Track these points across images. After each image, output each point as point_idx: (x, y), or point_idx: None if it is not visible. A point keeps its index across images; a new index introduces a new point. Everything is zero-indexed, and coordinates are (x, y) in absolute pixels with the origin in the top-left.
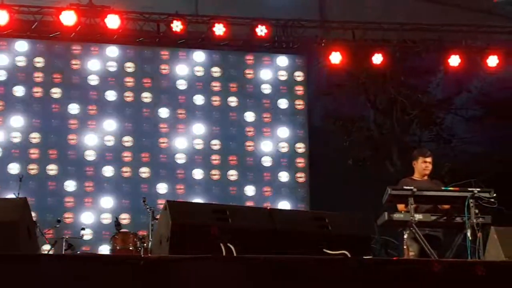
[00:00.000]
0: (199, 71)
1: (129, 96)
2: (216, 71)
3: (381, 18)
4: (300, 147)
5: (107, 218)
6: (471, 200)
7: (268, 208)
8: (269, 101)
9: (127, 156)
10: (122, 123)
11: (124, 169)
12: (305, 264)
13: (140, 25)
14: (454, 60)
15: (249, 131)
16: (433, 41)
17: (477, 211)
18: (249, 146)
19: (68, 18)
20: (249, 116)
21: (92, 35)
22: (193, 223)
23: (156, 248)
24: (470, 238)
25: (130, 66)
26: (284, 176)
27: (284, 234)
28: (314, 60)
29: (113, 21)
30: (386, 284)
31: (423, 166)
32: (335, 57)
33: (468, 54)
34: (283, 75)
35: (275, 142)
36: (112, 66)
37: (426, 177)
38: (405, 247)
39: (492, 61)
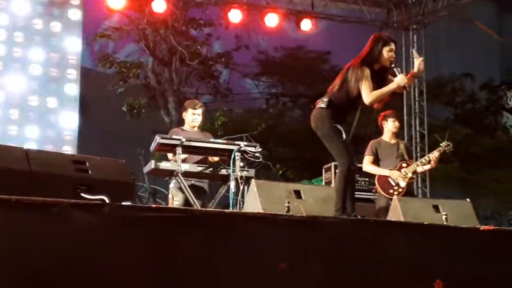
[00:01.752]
0: None
1: None
2: None
3: None
4: (71, 88)
5: None
6: (237, 153)
7: (26, 148)
8: (39, 38)
9: None
10: None
11: None
12: (60, 207)
13: None
14: (235, 16)
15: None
16: None
17: (242, 164)
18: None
19: None
20: (16, 53)
21: None
22: None
23: None
24: (233, 190)
25: None
26: (51, 118)
27: (40, 176)
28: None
29: None
30: (144, 230)
31: (191, 118)
32: (115, 1)
33: (249, 11)
34: (57, 12)
35: (44, 81)
36: None
37: (196, 129)
38: (170, 196)
39: (271, 20)
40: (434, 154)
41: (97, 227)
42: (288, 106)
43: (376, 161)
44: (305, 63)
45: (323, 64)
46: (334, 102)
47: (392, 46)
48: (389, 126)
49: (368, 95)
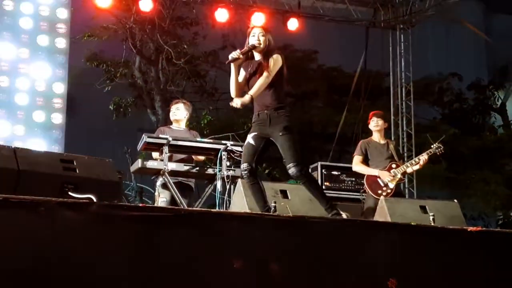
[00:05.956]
0: None
1: None
2: None
3: None
4: (59, 88)
5: None
6: (223, 153)
7: (14, 147)
8: (27, 36)
9: None
10: None
11: None
12: (48, 206)
13: None
14: (221, 15)
15: (4, 66)
16: None
17: (229, 163)
18: (2, 81)
19: None
20: (4, 50)
21: None
22: None
23: None
24: (220, 189)
25: None
26: (39, 116)
27: (28, 174)
28: None
29: None
30: (130, 229)
31: (171, 113)
32: None
33: (236, 10)
34: (44, 11)
35: (32, 79)
36: None
37: (183, 127)
38: (156, 194)
39: (258, 19)
40: (424, 156)
41: (84, 226)
42: None
43: (365, 161)
44: (292, 62)
45: (310, 63)
46: None
47: (251, 30)
48: (371, 125)
49: None
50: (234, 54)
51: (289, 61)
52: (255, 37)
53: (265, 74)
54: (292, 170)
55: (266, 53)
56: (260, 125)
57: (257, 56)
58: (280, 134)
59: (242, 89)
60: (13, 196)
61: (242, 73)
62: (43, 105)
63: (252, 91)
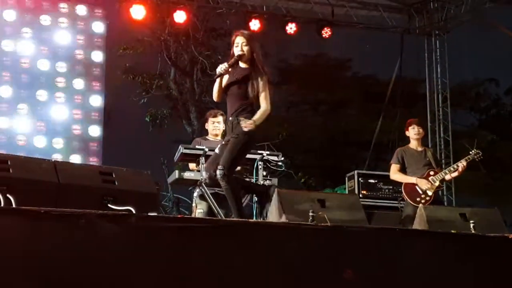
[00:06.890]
0: None
1: None
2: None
3: None
4: (96, 100)
5: None
6: (259, 162)
7: (54, 160)
8: (64, 51)
9: None
10: None
11: None
12: (88, 218)
13: None
14: (255, 25)
15: (41, 81)
16: (236, 3)
17: (265, 173)
18: (39, 95)
19: None
20: (42, 65)
21: None
22: None
23: None
24: (256, 199)
25: None
26: (76, 129)
27: (68, 187)
28: (115, 12)
29: None
30: (169, 240)
31: (212, 126)
32: (136, 11)
33: (269, 19)
34: (81, 25)
35: (70, 93)
36: None
37: (218, 137)
38: (193, 205)
39: (291, 28)
40: (463, 163)
41: (123, 238)
42: (309, 113)
43: (403, 169)
44: (326, 70)
45: (344, 71)
46: None
47: (235, 39)
48: (410, 133)
49: None
50: (222, 68)
51: (322, 69)
52: (239, 48)
53: (263, 105)
54: (217, 172)
55: (253, 63)
56: (227, 133)
57: (241, 64)
58: (232, 137)
59: (223, 92)
60: (54, 209)
61: (225, 76)
62: (80, 118)
63: (256, 117)
